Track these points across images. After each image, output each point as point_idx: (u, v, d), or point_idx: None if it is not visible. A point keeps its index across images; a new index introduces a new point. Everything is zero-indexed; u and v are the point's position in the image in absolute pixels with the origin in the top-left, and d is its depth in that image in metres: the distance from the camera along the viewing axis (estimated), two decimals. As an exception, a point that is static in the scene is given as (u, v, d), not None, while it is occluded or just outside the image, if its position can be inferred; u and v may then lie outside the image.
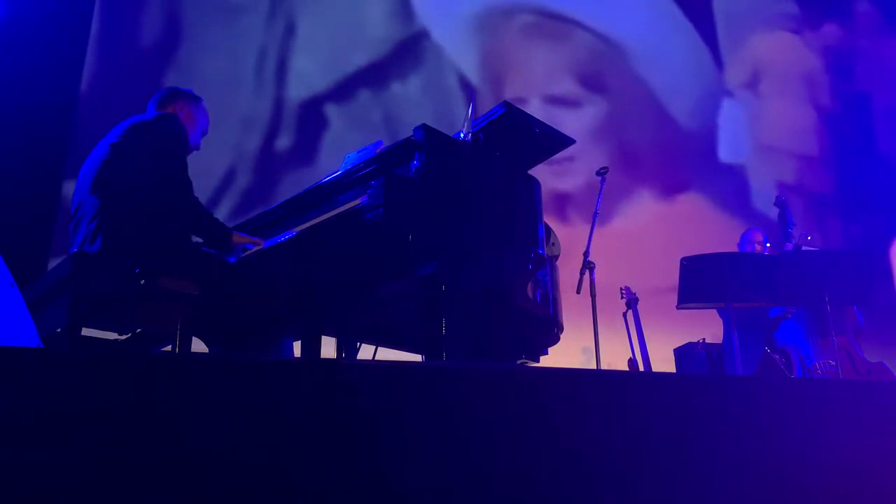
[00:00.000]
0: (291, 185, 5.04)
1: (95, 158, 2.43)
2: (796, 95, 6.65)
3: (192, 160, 2.55)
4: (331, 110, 5.63)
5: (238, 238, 2.53)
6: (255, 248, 2.49)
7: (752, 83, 6.59)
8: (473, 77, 5.93)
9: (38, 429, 1.15)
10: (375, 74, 5.75)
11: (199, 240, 2.58)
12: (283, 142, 5.51)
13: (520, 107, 2.79)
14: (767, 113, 6.55)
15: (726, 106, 6.47)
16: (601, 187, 4.13)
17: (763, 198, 5.86)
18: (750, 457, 1.41)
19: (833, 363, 3.60)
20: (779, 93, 6.60)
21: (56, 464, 1.13)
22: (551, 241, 3.00)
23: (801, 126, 6.60)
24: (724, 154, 6.31)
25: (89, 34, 5.30)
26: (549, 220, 2.86)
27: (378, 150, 2.51)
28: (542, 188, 2.64)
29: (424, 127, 2.33)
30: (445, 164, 2.34)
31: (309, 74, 5.68)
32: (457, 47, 5.99)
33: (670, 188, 6.13)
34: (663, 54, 6.35)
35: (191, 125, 2.63)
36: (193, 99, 2.69)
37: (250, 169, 5.36)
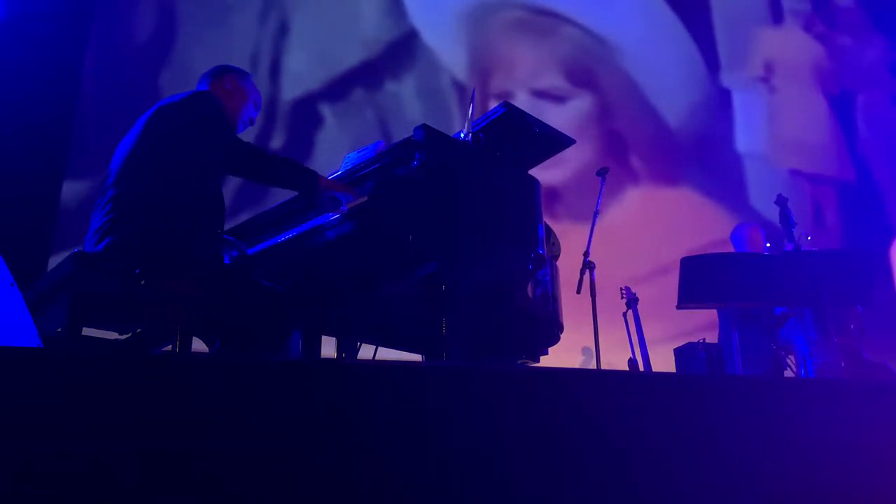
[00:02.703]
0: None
1: (125, 147, 2.38)
2: (800, 90, 6.67)
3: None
4: (324, 109, 5.63)
5: (331, 185, 2.35)
6: (353, 203, 2.30)
7: (752, 77, 6.61)
8: (462, 71, 5.94)
9: (38, 429, 1.15)
10: (369, 73, 5.75)
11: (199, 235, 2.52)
12: (277, 140, 5.51)
13: (509, 102, 2.79)
14: (776, 107, 6.59)
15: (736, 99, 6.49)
16: (601, 187, 4.13)
17: (764, 194, 5.87)
18: (751, 457, 1.41)
19: (835, 363, 3.60)
20: (784, 87, 6.63)
21: (56, 464, 1.13)
22: (551, 240, 3.01)
23: (808, 120, 6.63)
24: (741, 146, 6.34)
25: (87, 34, 5.30)
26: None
27: (378, 150, 2.51)
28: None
29: (424, 127, 2.32)
30: (445, 164, 2.34)
31: (302, 73, 5.67)
32: (446, 41, 6.00)
33: (662, 184, 6.13)
34: (652, 50, 6.36)
35: (241, 98, 2.59)
36: (242, 73, 2.67)
37: None
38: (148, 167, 2.30)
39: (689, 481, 1.37)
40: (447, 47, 5.98)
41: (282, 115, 5.56)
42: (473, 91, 2.69)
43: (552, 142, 2.86)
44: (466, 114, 2.58)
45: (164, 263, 2.20)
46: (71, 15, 5.19)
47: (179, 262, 2.23)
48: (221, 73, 2.64)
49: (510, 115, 2.68)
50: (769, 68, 6.64)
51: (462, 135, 2.54)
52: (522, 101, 5.74)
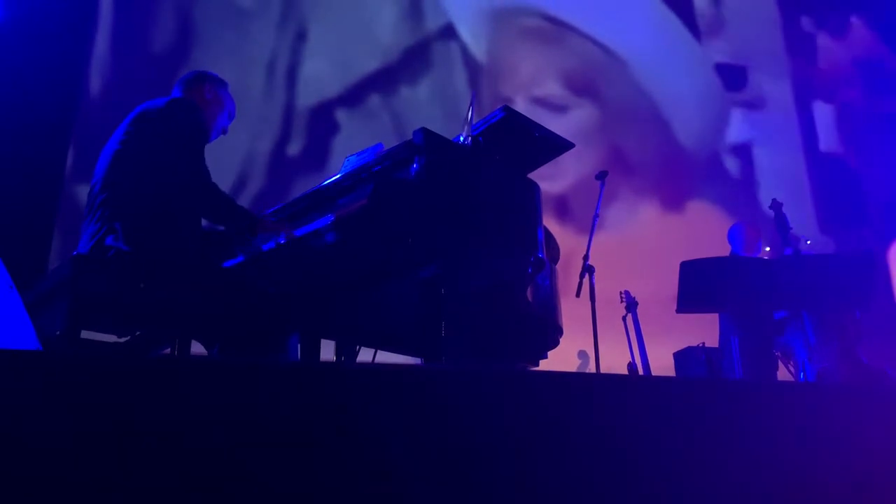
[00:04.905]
0: (302, 190, 5.07)
1: (108, 150, 2.39)
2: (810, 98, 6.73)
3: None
4: (341, 115, 5.67)
5: (266, 225, 2.43)
6: (287, 238, 2.39)
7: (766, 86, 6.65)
8: (477, 76, 5.99)
9: (36, 432, 1.15)
10: (385, 79, 5.80)
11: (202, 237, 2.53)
12: (295, 146, 5.55)
13: (515, 108, 2.79)
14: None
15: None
16: (601, 191, 4.13)
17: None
18: (750, 461, 1.41)
19: (834, 368, 3.60)
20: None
21: (53, 467, 1.13)
22: (551, 244, 3.01)
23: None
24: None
25: (91, 36, 5.32)
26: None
27: (378, 154, 2.51)
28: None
29: (424, 130, 2.33)
30: (445, 168, 2.34)
31: (319, 79, 5.73)
32: (465, 46, 6.06)
33: (671, 194, 6.16)
34: (664, 65, 6.40)
35: (218, 108, 2.59)
36: (220, 82, 2.65)
37: (262, 174, 5.41)
38: (134, 172, 2.31)
39: (688, 485, 1.37)
40: (465, 50, 6.05)
41: (298, 121, 5.60)
42: (473, 95, 2.69)
43: (552, 146, 2.86)
44: (466, 117, 2.58)
45: (160, 266, 2.20)
46: (74, 17, 5.20)
47: (175, 265, 2.24)
48: (200, 80, 2.61)
49: (510, 119, 2.68)
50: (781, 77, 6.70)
51: (462, 138, 2.54)
52: (536, 111, 5.81)
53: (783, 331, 3.99)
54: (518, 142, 2.75)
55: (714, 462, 1.41)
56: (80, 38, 5.25)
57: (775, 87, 6.70)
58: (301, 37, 5.80)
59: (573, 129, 5.95)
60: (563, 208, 5.74)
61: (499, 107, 2.74)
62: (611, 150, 6.11)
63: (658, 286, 4.58)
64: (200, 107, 2.50)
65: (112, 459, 1.15)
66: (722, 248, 4.44)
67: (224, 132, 2.66)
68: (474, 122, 2.61)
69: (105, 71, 5.32)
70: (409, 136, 2.35)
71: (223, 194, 2.40)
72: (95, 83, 5.29)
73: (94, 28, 5.36)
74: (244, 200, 5.24)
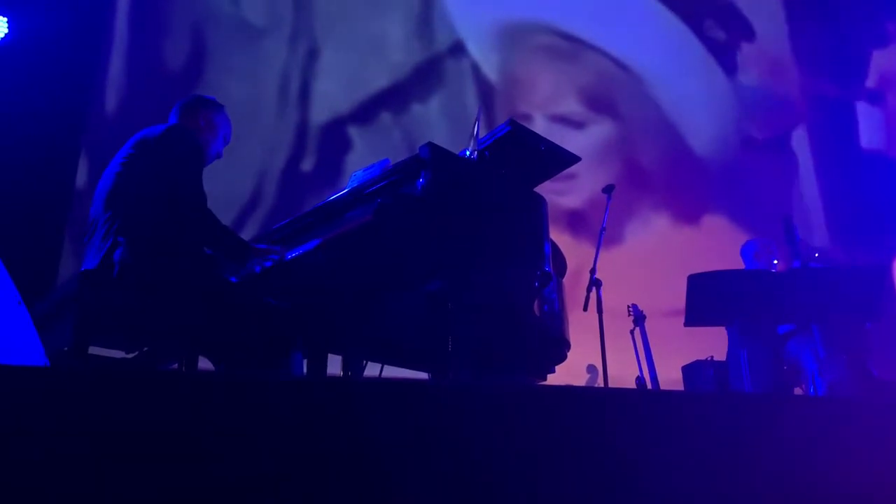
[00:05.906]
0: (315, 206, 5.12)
1: (109, 173, 2.44)
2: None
3: (218, 183, 2.47)
4: (353, 132, 5.72)
5: (257, 251, 2.48)
6: (278, 260, 2.44)
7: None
8: (489, 92, 6.03)
9: (44, 447, 1.15)
10: (397, 96, 5.85)
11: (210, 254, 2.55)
12: (307, 163, 5.60)
13: (526, 125, 2.79)
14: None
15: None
16: (607, 205, 4.12)
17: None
18: (760, 475, 1.40)
19: (844, 381, 3.56)
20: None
21: (61, 483, 1.13)
22: (558, 258, 3.00)
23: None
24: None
25: (106, 54, 5.38)
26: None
27: (384, 169, 2.52)
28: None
29: (430, 145, 2.34)
30: (451, 182, 2.34)
31: (331, 97, 5.78)
32: (476, 63, 6.11)
33: (685, 208, 6.16)
34: (679, 80, 6.42)
35: (212, 133, 2.61)
36: (216, 107, 2.67)
37: (275, 190, 5.44)
38: (136, 192, 2.35)
39: (697, 498, 1.36)
40: (476, 68, 6.10)
41: (311, 138, 5.66)
42: (479, 110, 2.71)
43: (558, 159, 2.86)
44: (472, 131, 2.59)
45: (166, 282, 2.22)
46: (85, 31, 5.25)
47: (181, 281, 2.25)
48: (196, 107, 2.64)
49: (515, 133, 2.68)
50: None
51: (468, 152, 2.55)
52: (550, 128, 5.86)
53: (792, 344, 3.96)
54: (524, 155, 2.75)
55: (723, 476, 1.39)
56: (93, 56, 5.30)
57: (788, 98, 6.71)
58: (313, 54, 5.86)
59: (592, 145, 5.98)
60: (578, 222, 5.73)
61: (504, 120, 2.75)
62: (628, 164, 6.13)
63: (667, 299, 4.56)
64: (194, 133, 2.53)
65: (119, 475, 1.15)
66: (734, 262, 4.42)
67: (219, 156, 2.69)
68: (481, 136, 2.62)
69: (120, 88, 5.38)
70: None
71: (218, 221, 2.44)
72: (110, 100, 5.34)
73: (109, 46, 5.42)
74: (258, 216, 5.27)
